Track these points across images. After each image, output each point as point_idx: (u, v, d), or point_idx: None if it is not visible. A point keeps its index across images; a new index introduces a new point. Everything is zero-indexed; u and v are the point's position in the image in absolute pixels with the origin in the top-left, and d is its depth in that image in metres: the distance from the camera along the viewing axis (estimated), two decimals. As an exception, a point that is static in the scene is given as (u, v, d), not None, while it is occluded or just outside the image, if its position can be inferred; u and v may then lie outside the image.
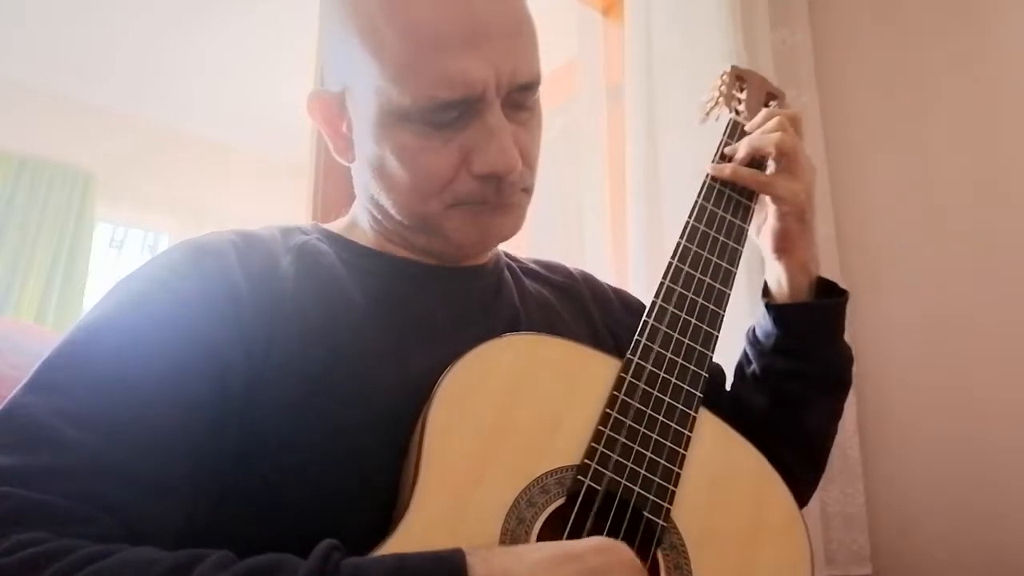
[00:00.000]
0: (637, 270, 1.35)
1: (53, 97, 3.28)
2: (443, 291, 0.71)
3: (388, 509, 0.55)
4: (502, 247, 0.84)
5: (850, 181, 1.50)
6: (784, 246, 0.80)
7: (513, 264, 0.82)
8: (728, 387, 0.86)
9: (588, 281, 0.87)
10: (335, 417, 0.57)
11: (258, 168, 3.69)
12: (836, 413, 0.83)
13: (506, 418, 0.58)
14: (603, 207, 1.61)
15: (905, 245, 1.41)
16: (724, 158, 0.83)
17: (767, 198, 0.80)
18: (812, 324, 0.79)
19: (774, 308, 0.80)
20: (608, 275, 1.39)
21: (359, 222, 0.75)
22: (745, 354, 0.84)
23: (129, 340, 0.56)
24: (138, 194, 3.48)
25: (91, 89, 3.29)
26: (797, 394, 0.79)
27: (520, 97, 0.65)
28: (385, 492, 0.56)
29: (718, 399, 0.82)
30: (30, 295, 3.06)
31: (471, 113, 0.63)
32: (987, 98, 1.37)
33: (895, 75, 1.50)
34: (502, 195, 0.66)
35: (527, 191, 0.70)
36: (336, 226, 0.76)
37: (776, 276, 0.81)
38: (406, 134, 0.64)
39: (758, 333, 0.82)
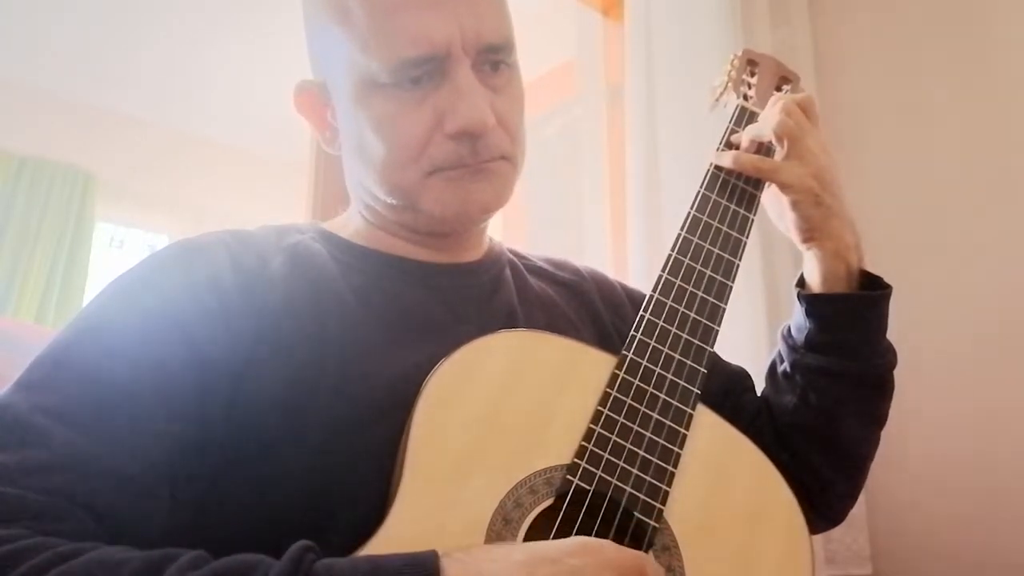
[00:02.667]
0: (637, 270, 1.35)
1: (53, 97, 3.28)
2: (437, 289, 0.70)
3: (377, 508, 0.54)
4: (508, 243, 0.83)
5: (851, 180, 1.50)
6: (808, 235, 0.75)
7: (518, 262, 0.80)
8: (760, 391, 0.82)
9: (598, 280, 0.85)
10: (321, 415, 0.57)
11: (258, 168, 3.69)
12: (874, 418, 0.77)
13: (494, 416, 0.57)
14: (603, 207, 1.60)
15: (907, 243, 1.40)
16: (730, 146, 0.80)
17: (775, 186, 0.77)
18: (845, 316, 0.74)
19: (805, 298, 0.75)
20: (608, 274, 1.39)
21: (354, 218, 0.75)
22: (779, 353, 0.80)
23: (114, 338, 0.56)
24: (138, 194, 3.48)
25: (91, 89, 3.29)
26: (828, 394, 0.74)
27: (491, 60, 0.66)
28: (374, 491, 0.55)
29: (739, 403, 0.80)
30: (30, 295, 3.06)
31: (440, 73, 0.63)
32: (987, 95, 1.37)
33: (896, 73, 1.50)
34: (478, 156, 0.65)
35: (508, 160, 0.68)
36: (333, 224, 0.76)
37: (809, 265, 0.77)
38: (380, 102, 0.64)
39: (792, 328, 0.78)
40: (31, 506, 0.46)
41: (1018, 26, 1.35)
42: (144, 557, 0.44)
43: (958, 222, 1.36)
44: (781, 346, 0.79)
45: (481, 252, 0.76)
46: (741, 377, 0.83)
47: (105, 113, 3.39)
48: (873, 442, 0.78)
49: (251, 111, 3.43)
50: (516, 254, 0.82)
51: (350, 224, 0.75)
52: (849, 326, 0.74)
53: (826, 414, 0.74)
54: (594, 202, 1.62)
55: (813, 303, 0.74)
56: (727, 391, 0.80)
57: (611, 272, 1.48)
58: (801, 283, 0.78)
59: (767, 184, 0.78)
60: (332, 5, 0.66)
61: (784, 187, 0.74)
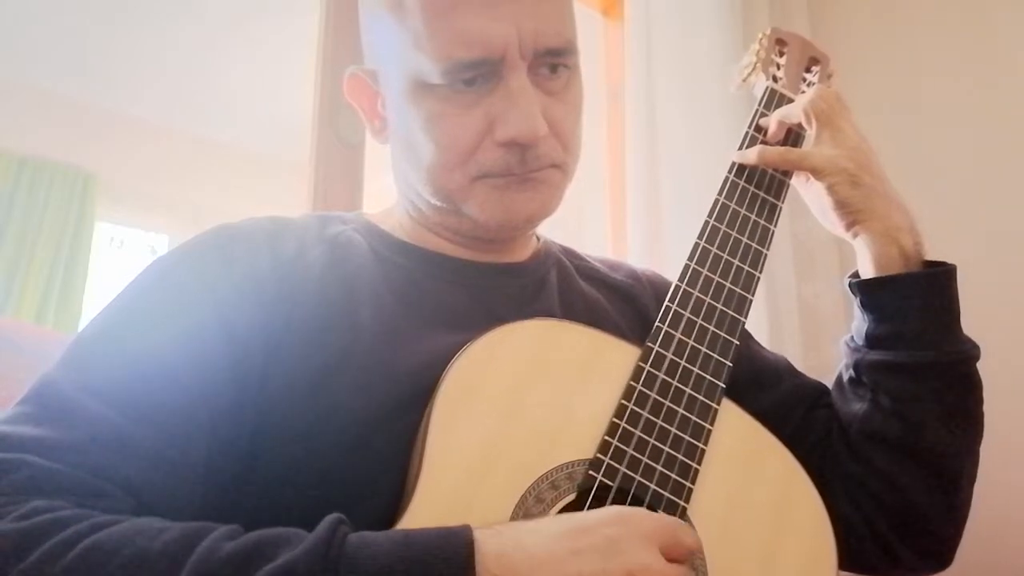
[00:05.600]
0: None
1: (53, 97, 3.27)
2: (476, 288, 0.69)
3: (399, 498, 0.54)
4: (563, 241, 0.82)
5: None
6: (851, 218, 0.70)
7: (568, 263, 0.78)
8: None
9: (655, 283, 0.81)
10: (347, 403, 0.57)
11: (258, 167, 3.69)
12: (960, 418, 0.67)
13: (516, 408, 0.56)
14: (603, 207, 1.61)
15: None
16: (759, 129, 0.77)
17: (809, 176, 0.73)
18: (905, 301, 0.67)
19: (858, 287, 0.69)
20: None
21: (397, 211, 0.74)
22: (844, 363, 0.73)
23: (154, 320, 0.58)
24: (138, 194, 3.47)
25: (91, 89, 3.29)
26: (900, 392, 0.67)
27: (549, 64, 0.63)
28: (396, 481, 0.55)
29: (809, 419, 0.74)
30: (30, 295, 3.05)
31: (494, 77, 0.61)
32: (990, 92, 1.37)
33: (896, 72, 1.50)
34: (527, 166, 0.63)
35: (559, 168, 0.66)
36: (377, 216, 0.75)
37: (860, 255, 0.71)
38: (430, 102, 0.62)
39: (852, 331, 0.72)
40: (71, 481, 0.48)
41: (1019, 24, 1.35)
42: (182, 527, 0.45)
43: (959, 221, 1.36)
44: (844, 352, 0.73)
45: (527, 253, 0.75)
46: (815, 392, 0.77)
47: (105, 113, 3.38)
48: (965, 451, 0.69)
49: (252, 111, 3.43)
50: (570, 254, 0.81)
51: (393, 217, 0.74)
52: (911, 312, 0.67)
53: (902, 417, 0.67)
54: (594, 202, 1.62)
55: (867, 291, 0.69)
56: (794, 405, 0.75)
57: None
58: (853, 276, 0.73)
59: (796, 174, 0.75)
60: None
61: (816, 172, 0.71)
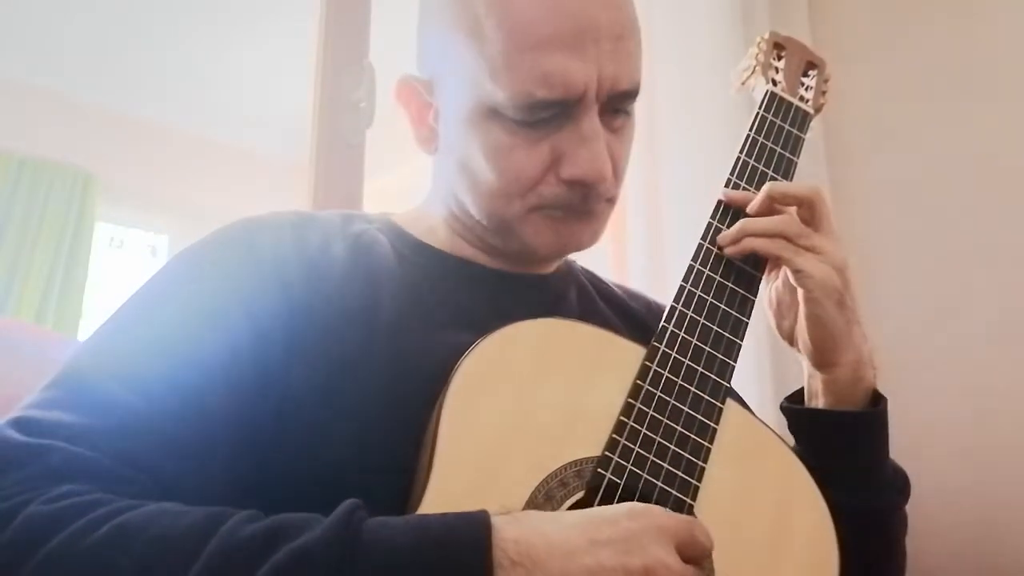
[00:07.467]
0: (637, 271, 1.35)
1: (53, 97, 3.27)
2: (495, 295, 0.70)
3: (410, 493, 0.55)
4: (588, 264, 0.83)
5: (850, 182, 1.50)
6: (829, 356, 0.67)
7: (589, 285, 0.79)
8: None
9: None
10: (363, 397, 0.58)
11: (258, 168, 3.69)
12: (872, 557, 0.67)
13: (525, 405, 0.57)
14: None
15: (908, 247, 1.40)
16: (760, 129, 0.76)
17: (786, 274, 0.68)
18: (848, 440, 0.67)
19: (806, 419, 0.69)
20: (608, 276, 1.39)
21: (427, 215, 0.74)
22: None
23: (179, 309, 0.59)
24: (138, 194, 3.47)
25: (91, 89, 3.28)
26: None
27: (619, 104, 0.64)
28: (410, 479, 0.56)
29: None
30: (30, 295, 3.05)
31: (566, 116, 0.62)
32: (988, 97, 1.37)
33: (895, 74, 1.50)
34: (587, 203, 0.64)
35: (611, 201, 0.68)
36: (402, 218, 0.76)
37: (816, 382, 0.70)
38: (496, 131, 0.63)
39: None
40: (98, 467, 0.49)
41: (1020, 27, 1.35)
42: (205, 510, 0.47)
43: (960, 224, 1.36)
44: None
45: (552, 267, 0.76)
46: None
47: (105, 113, 3.38)
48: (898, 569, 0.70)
49: (251, 111, 3.43)
50: (591, 277, 0.81)
51: (422, 221, 0.74)
52: (854, 452, 0.68)
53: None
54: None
55: (815, 426, 0.69)
56: None
57: (611, 273, 1.49)
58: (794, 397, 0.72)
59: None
60: (463, 17, 0.63)
61: (800, 275, 0.66)
